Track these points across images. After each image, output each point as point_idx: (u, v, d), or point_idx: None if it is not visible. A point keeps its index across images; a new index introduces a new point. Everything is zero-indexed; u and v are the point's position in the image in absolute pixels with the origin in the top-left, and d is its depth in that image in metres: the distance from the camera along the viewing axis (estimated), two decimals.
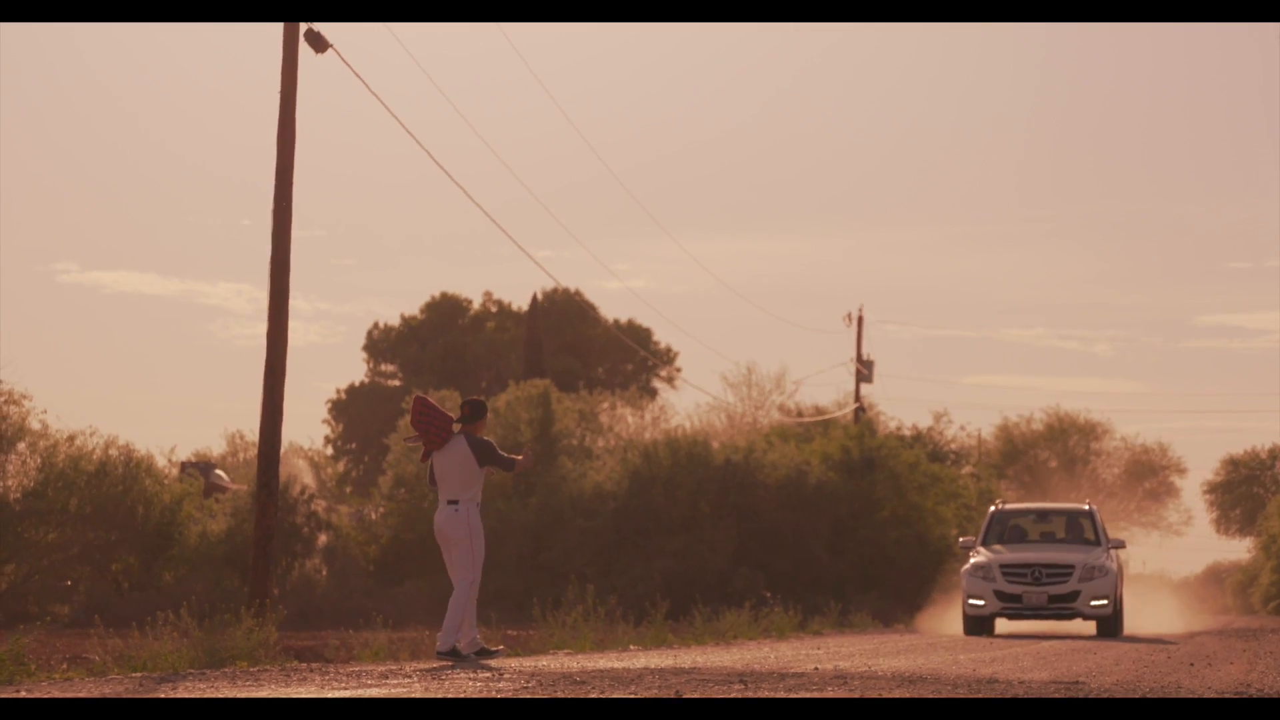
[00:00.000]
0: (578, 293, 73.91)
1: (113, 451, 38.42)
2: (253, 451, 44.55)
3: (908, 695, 11.71)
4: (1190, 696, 12.02)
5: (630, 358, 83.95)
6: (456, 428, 17.76)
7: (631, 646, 22.38)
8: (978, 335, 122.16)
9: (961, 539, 31.58)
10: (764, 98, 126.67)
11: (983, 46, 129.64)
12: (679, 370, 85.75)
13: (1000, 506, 32.59)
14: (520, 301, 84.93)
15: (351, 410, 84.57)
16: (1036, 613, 29.56)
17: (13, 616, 29.21)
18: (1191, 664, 18.37)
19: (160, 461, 41.63)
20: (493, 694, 11.77)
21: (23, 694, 10.30)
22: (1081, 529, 31.82)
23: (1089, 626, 33.78)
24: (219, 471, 53.31)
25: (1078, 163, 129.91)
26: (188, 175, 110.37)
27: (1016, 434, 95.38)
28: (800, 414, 68.42)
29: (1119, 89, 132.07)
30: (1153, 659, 19.75)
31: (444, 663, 16.60)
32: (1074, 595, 29.46)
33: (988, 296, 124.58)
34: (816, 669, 16.59)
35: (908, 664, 17.19)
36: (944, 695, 11.71)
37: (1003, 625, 33.49)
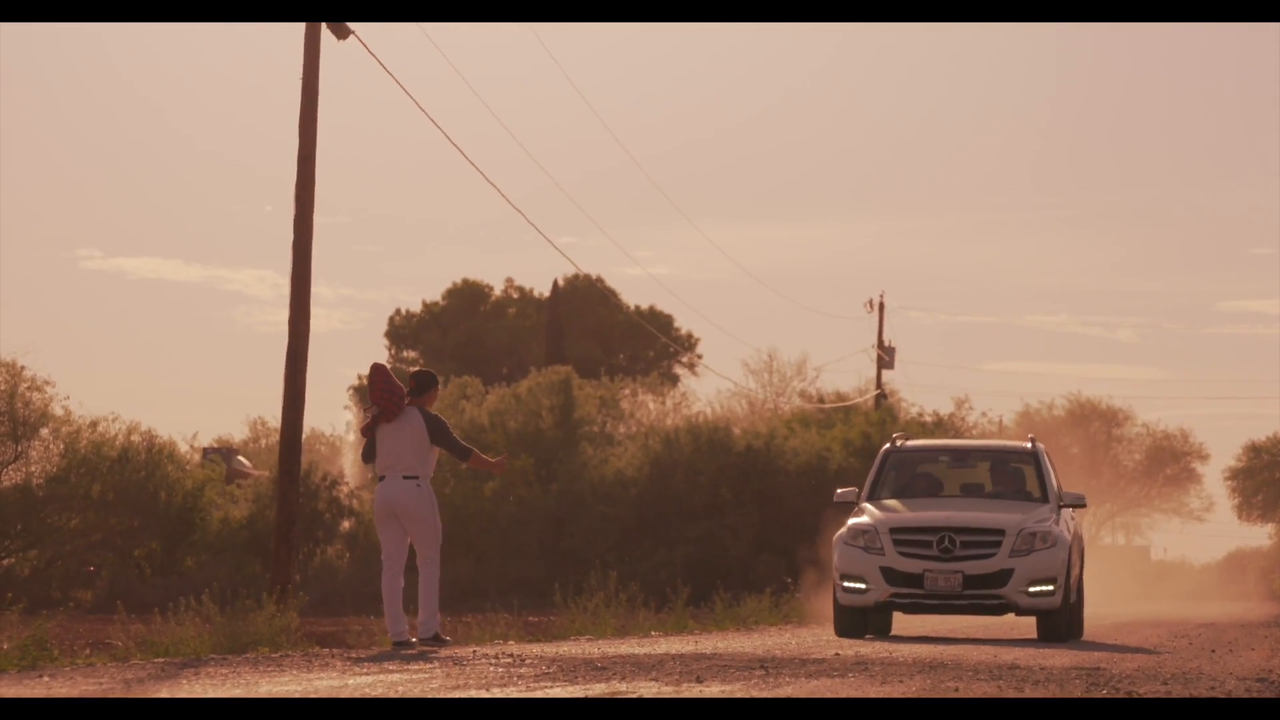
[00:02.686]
0: (599, 279, 73.93)
1: (135, 438, 38.51)
2: (274, 438, 44.57)
3: (924, 693, 11.70)
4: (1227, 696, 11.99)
5: (652, 344, 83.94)
6: (406, 401, 16.79)
7: (653, 633, 22.40)
8: (999, 321, 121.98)
9: (840, 490, 21.43)
10: (785, 86, 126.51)
11: (1002, 37, 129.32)
12: (700, 357, 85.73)
13: (899, 444, 22.21)
14: (542, 288, 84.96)
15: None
16: (945, 603, 20.06)
17: (36, 602, 29.29)
18: (1213, 650, 18.35)
19: (182, 447, 41.73)
20: (514, 680, 11.79)
21: (20, 694, 10.32)
22: (1020, 478, 21.84)
23: (1027, 624, 25.35)
24: (241, 458, 53.40)
25: (1097, 150, 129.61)
26: (210, 161, 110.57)
27: (1038, 420, 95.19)
28: (821, 400, 68.40)
29: (1138, 77, 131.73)
30: (1174, 645, 19.76)
31: (464, 650, 16.61)
32: (1002, 577, 19.96)
33: (1009, 283, 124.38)
34: (837, 655, 16.59)
35: (927, 650, 17.18)
36: (962, 695, 11.69)
37: (900, 621, 24.31)
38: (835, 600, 20.46)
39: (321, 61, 24.48)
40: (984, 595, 20.02)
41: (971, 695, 10.86)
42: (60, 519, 37.10)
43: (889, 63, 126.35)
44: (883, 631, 22.00)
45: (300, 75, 24.42)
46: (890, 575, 20.08)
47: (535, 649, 16.54)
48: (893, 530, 20.22)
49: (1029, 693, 11.20)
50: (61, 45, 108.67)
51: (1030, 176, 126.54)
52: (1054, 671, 13.61)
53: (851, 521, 20.63)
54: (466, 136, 43.94)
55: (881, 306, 68.82)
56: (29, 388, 37.00)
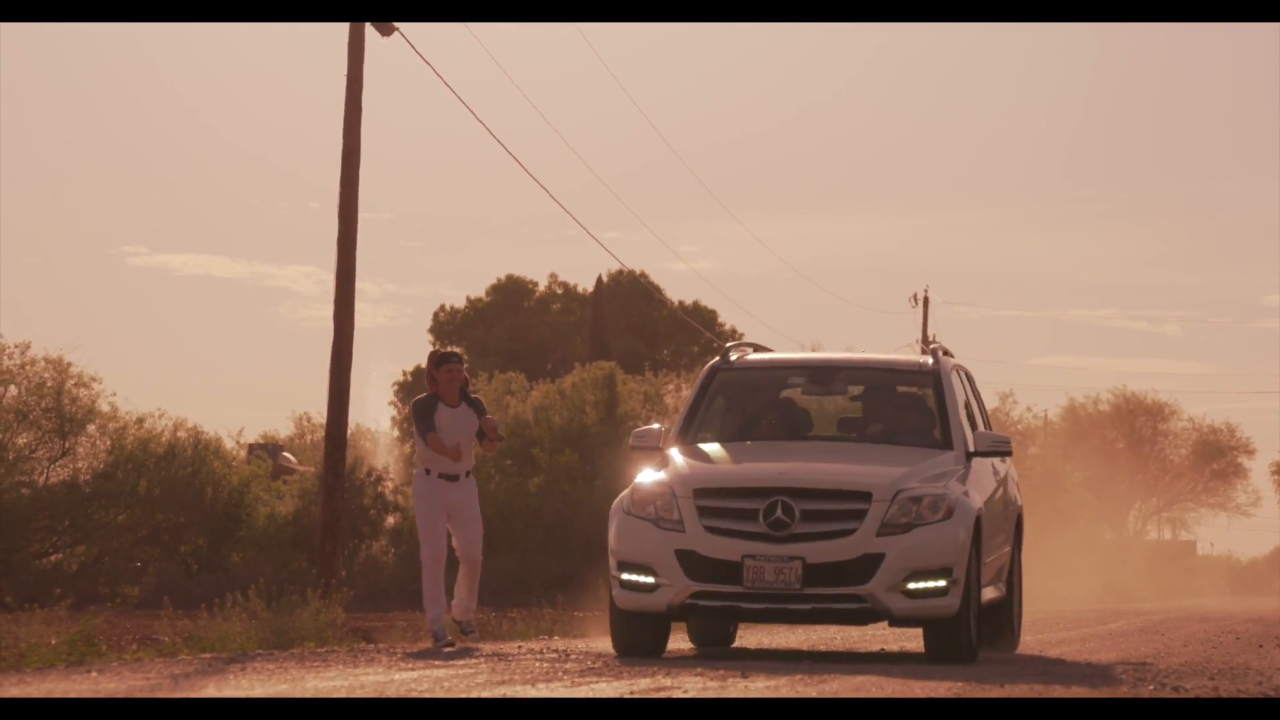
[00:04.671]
0: (643, 275, 73.91)
1: (181, 434, 38.65)
2: (320, 434, 44.65)
3: (955, 694, 11.67)
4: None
5: (696, 339, 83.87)
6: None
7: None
8: (1045, 316, 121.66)
9: (639, 430, 14.60)
10: (828, 82, 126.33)
11: (1040, 36, 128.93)
12: None
13: (738, 357, 15.57)
14: (586, 284, 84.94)
15: (418, 392, 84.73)
16: (776, 606, 13.43)
17: (84, 598, 29.44)
18: (1260, 645, 18.26)
19: (228, 444, 41.85)
20: (559, 675, 11.80)
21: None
22: (913, 412, 15.09)
23: (908, 640, 18.35)
24: (286, 454, 53.54)
25: (1130, 144, 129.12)
26: (255, 159, 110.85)
27: (1083, 415, 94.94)
28: None
29: (1173, 73, 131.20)
30: (1221, 640, 19.62)
31: (510, 645, 16.64)
32: (865, 566, 13.34)
33: (1053, 277, 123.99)
34: (882, 650, 16.57)
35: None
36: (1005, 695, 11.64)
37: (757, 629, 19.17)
38: (611, 601, 13.93)
39: (366, 59, 24.52)
40: (836, 595, 13.32)
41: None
42: (107, 515, 37.25)
43: (931, 60, 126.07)
44: (723, 641, 16.36)
45: (345, 72, 24.46)
46: (692, 563, 13.47)
47: (580, 644, 16.55)
48: (698, 492, 13.54)
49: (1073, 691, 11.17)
50: (106, 46, 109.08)
51: (1065, 170, 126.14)
52: (1098, 667, 13.56)
53: (639, 479, 13.95)
54: (510, 133, 43.96)
55: (926, 301, 68.72)
56: (76, 384, 37.16)
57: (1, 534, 34.92)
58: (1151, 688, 11.29)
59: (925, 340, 67.99)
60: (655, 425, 14.62)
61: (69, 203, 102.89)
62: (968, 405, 15.64)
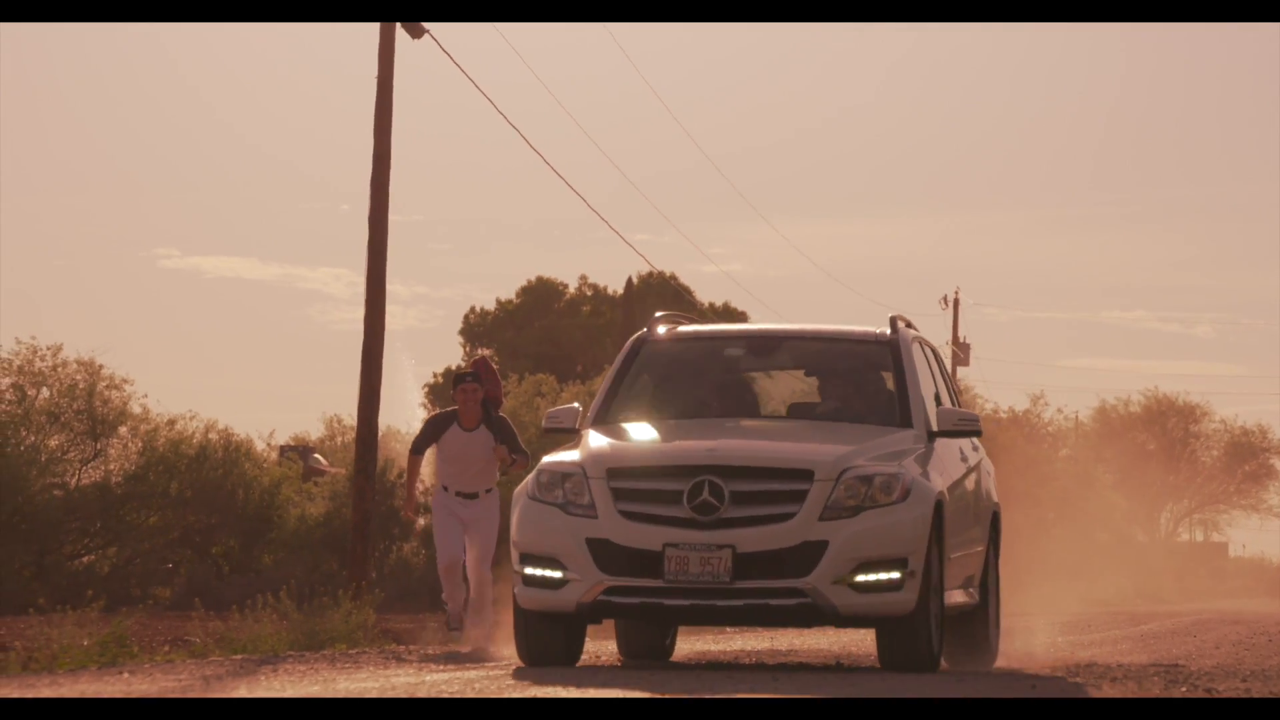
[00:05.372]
0: (673, 276, 73.86)
1: (212, 435, 38.71)
2: (350, 435, 44.69)
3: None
4: None
5: None
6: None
7: (728, 629, 22.38)
8: (1076, 318, 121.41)
9: (553, 411, 13.13)
10: (858, 85, 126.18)
11: (1069, 34, 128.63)
12: None
13: (667, 331, 13.76)
14: (616, 286, 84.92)
15: (448, 394, 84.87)
16: (702, 603, 11.87)
17: (116, 599, 29.51)
18: None
19: (259, 445, 41.90)
20: (593, 678, 11.80)
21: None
22: (869, 388, 13.44)
23: (858, 641, 17.89)
24: (317, 455, 53.62)
25: (1166, 146, 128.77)
26: (286, 161, 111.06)
27: (1114, 417, 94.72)
28: None
29: (1202, 73, 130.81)
30: (1253, 642, 19.58)
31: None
32: (805, 556, 11.79)
33: (1085, 279, 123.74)
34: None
35: (1003, 646, 17.11)
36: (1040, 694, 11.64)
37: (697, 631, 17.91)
38: (514, 601, 12.38)
39: (396, 62, 24.56)
40: (772, 589, 11.71)
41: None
42: (139, 517, 37.31)
43: (961, 62, 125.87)
44: (658, 653, 14.43)
45: (375, 76, 24.50)
46: (605, 554, 11.89)
47: (611, 645, 16.56)
48: (612, 472, 12.01)
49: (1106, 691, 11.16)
50: (137, 49, 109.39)
51: (1095, 172, 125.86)
52: (1131, 669, 13.53)
53: (545, 460, 12.45)
54: (540, 135, 44.02)
55: (956, 303, 68.61)
56: (107, 386, 37.23)
57: (34, 536, 35.03)
58: (1184, 689, 11.26)
59: (955, 341, 67.89)
60: (574, 404, 12.99)
61: (101, 206, 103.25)
62: (934, 384, 13.86)
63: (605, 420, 13.02)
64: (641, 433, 12.70)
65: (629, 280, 77.86)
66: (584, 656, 13.27)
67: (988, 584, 14.17)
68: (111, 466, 37.73)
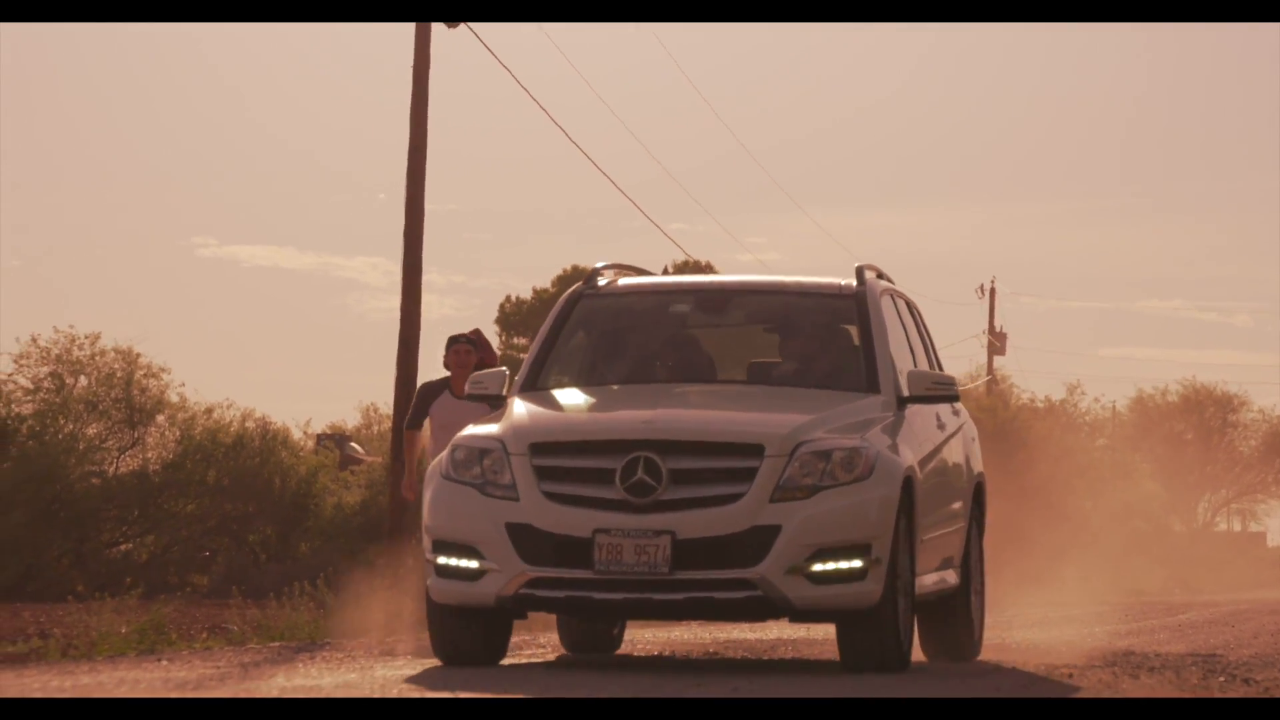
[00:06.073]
0: (709, 266, 73.81)
1: (249, 424, 38.84)
2: (387, 424, 44.81)
3: (1021, 693, 11.61)
4: None
5: None
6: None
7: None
8: (1112, 307, 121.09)
9: (477, 375, 11.67)
10: (894, 75, 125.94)
11: (1103, 26, 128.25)
12: None
13: (608, 281, 12.38)
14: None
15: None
16: (636, 598, 10.46)
17: (154, 587, 29.64)
18: None
19: (296, 434, 42.07)
20: (631, 665, 11.80)
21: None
22: (832, 347, 11.97)
23: (816, 640, 15.45)
24: (354, 444, 53.74)
25: (1201, 136, 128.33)
26: (323, 150, 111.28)
27: (1151, 406, 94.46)
28: None
29: (1238, 64, 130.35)
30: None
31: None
32: (754, 543, 10.40)
33: (1122, 268, 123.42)
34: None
35: (1042, 636, 17.10)
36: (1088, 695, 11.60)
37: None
38: (428, 594, 10.97)
39: (432, 51, 24.58)
40: (716, 580, 10.36)
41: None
42: (176, 505, 37.46)
43: (993, 53, 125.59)
44: (604, 645, 13.08)
45: (411, 65, 24.53)
46: (528, 541, 10.53)
47: (649, 633, 16.57)
48: (536, 448, 10.62)
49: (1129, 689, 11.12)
50: (173, 43, 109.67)
51: (1131, 162, 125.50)
52: (1169, 659, 13.50)
53: (461, 434, 11.07)
54: (576, 125, 44.00)
55: (993, 292, 68.52)
56: (145, 375, 37.38)
57: (72, 524, 35.20)
58: (1222, 679, 11.22)
59: (992, 330, 67.79)
60: (502, 368, 11.64)
61: (138, 196, 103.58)
62: (909, 344, 12.47)
63: (535, 387, 11.58)
64: (572, 401, 11.26)
65: (665, 269, 77.89)
66: (538, 650, 12.71)
67: (970, 563, 12.82)
68: (149, 455, 37.87)
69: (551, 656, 12.55)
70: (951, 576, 12.28)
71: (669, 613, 10.56)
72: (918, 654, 12.30)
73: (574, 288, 12.16)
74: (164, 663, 11.36)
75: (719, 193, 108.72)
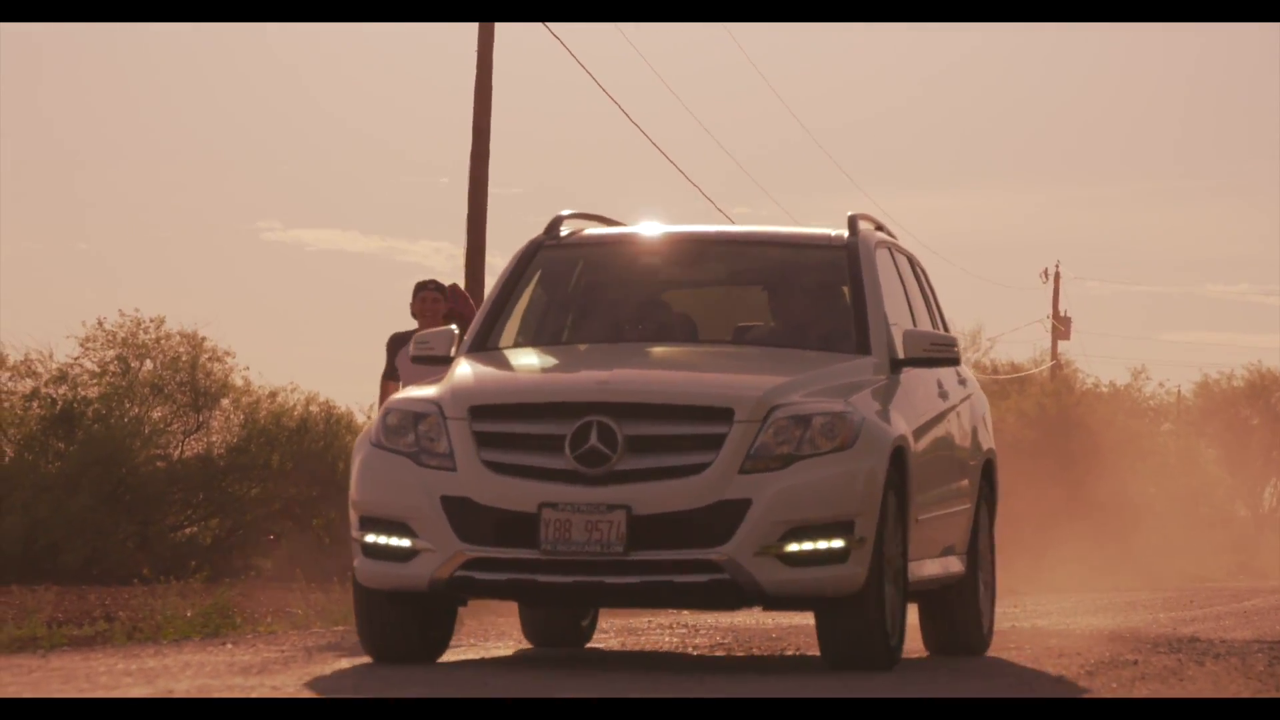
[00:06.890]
0: None
1: (313, 408, 38.95)
2: None
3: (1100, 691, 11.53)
4: None
5: None
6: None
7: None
8: (1177, 291, 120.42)
9: (421, 335, 10.35)
10: (954, 57, 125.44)
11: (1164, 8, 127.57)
12: None
13: (572, 232, 11.02)
14: None
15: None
16: (587, 581, 9.11)
17: (218, 570, 29.80)
18: None
19: (359, 418, 42.15)
20: (689, 649, 11.80)
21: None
22: (821, 304, 10.67)
23: (796, 631, 14.12)
24: None
25: (1269, 118, 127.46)
26: (386, 134, 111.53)
27: (1217, 391, 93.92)
28: (996, 371, 67.88)
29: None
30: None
31: (639, 620, 16.68)
32: (717, 521, 9.07)
33: (1187, 252, 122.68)
34: (1013, 627, 16.47)
35: (1106, 622, 17.03)
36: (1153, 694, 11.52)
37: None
38: (354, 578, 9.78)
39: (496, 35, 24.61)
40: (678, 562, 9.12)
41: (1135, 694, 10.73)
42: (240, 488, 37.60)
43: (1058, 33, 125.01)
44: (571, 638, 11.72)
45: (475, 49, 24.57)
46: (466, 517, 9.30)
47: (709, 619, 16.55)
48: (476, 412, 9.38)
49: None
50: (235, 34, 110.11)
51: (1196, 144, 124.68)
52: (1234, 645, 13.42)
53: (394, 397, 9.90)
54: (639, 108, 43.98)
55: (1057, 276, 68.23)
56: (210, 358, 37.52)
57: (137, 507, 35.38)
58: None
59: (1056, 315, 67.51)
60: (450, 327, 10.43)
61: (203, 180, 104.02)
62: (908, 302, 11.13)
63: (484, 347, 10.34)
64: (524, 362, 10.08)
65: None
66: (497, 643, 11.67)
67: (978, 550, 11.51)
68: (214, 438, 38.02)
69: (508, 651, 11.33)
70: (955, 563, 11.01)
71: (622, 598, 9.32)
72: (917, 649, 11.48)
73: (533, 238, 10.95)
74: (229, 646, 11.41)
75: (781, 176, 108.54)
